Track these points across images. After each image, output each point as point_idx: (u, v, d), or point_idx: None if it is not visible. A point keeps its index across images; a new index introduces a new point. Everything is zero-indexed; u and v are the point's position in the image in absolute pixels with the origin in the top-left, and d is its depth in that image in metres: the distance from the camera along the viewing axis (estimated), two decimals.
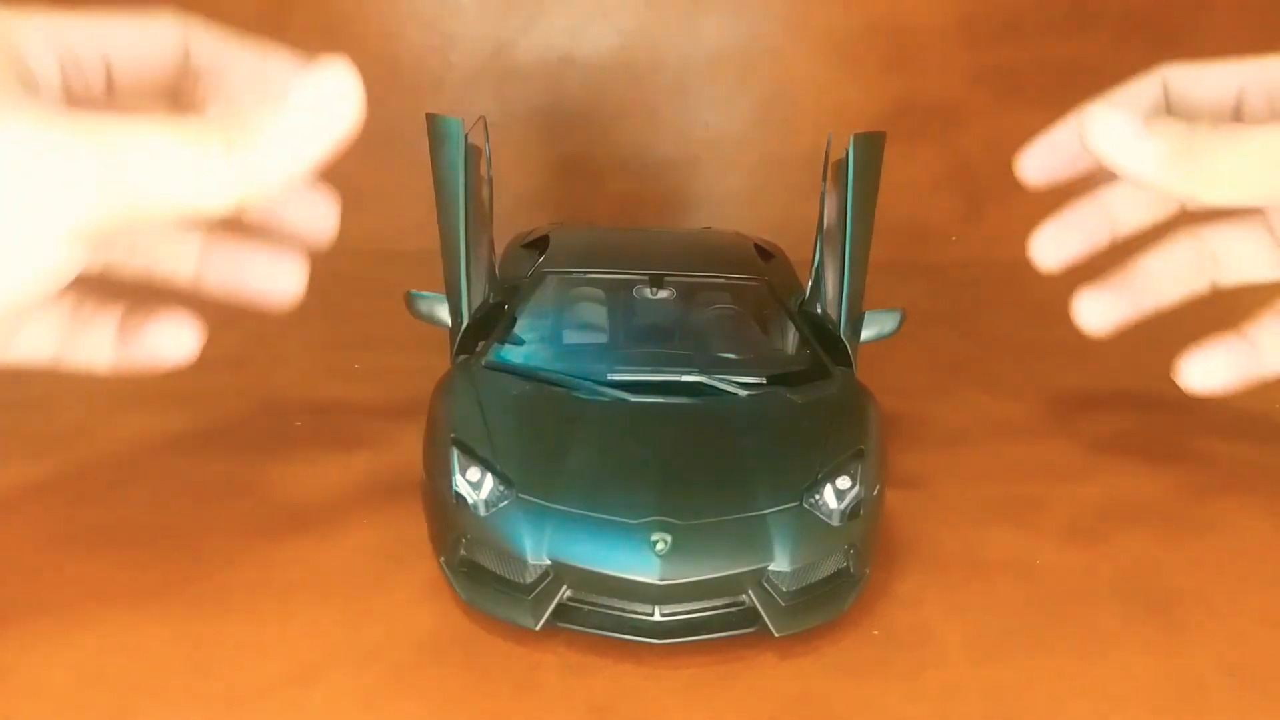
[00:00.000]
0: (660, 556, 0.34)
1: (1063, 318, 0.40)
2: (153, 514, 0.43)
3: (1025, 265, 0.66)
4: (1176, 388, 0.38)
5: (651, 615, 0.35)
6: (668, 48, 0.87)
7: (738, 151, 0.89)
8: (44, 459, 0.48)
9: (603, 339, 0.46)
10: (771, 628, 0.35)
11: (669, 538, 0.34)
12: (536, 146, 0.87)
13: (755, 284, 0.48)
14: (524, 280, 0.48)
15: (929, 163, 0.90)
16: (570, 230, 0.54)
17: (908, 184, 0.89)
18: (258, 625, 0.36)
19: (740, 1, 0.86)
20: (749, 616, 0.35)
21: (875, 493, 0.38)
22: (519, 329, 0.45)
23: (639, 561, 0.34)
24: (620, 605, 0.35)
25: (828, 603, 0.36)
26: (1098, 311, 0.42)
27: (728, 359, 0.44)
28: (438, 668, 0.34)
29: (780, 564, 0.35)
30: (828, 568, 0.37)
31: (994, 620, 0.38)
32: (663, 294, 0.47)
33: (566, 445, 0.38)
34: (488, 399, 0.40)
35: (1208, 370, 0.42)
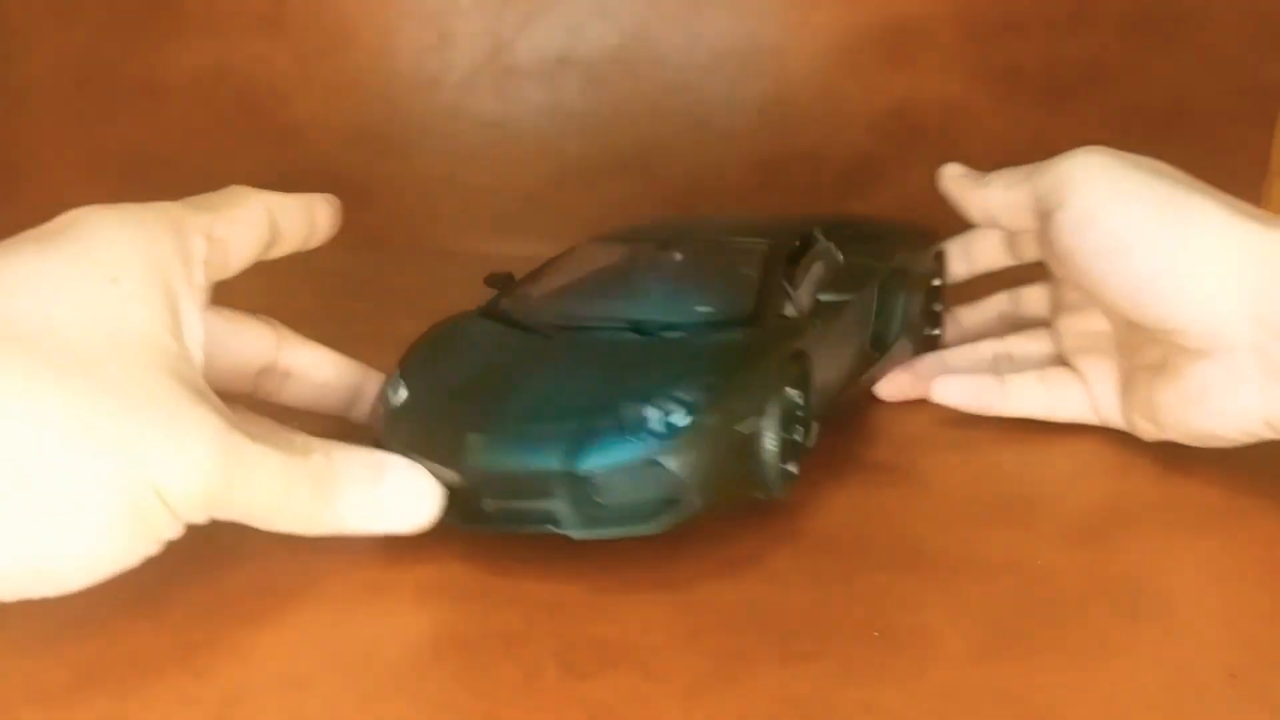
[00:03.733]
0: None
1: None
2: None
3: (1024, 265, 0.65)
4: None
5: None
6: (668, 47, 0.86)
7: (738, 151, 0.89)
8: None
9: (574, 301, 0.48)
10: (571, 531, 0.37)
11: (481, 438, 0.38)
12: (535, 145, 0.87)
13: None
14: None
15: (929, 163, 0.89)
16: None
17: (907, 184, 0.89)
18: (252, 628, 0.36)
19: (740, 1, 0.86)
20: (555, 516, 0.37)
21: (714, 423, 0.38)
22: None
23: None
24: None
25: (641, 518, 0.38)
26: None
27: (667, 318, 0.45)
28: (434, 670, 0.34)
29: (590, 468, 0.37)
30: (644, 485, 0.37)
31: (995, 621, 0.37)
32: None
33: (465, 369, 0.42)
34: (445, 337, 0.45)
35: (952, 390, 0.54)
